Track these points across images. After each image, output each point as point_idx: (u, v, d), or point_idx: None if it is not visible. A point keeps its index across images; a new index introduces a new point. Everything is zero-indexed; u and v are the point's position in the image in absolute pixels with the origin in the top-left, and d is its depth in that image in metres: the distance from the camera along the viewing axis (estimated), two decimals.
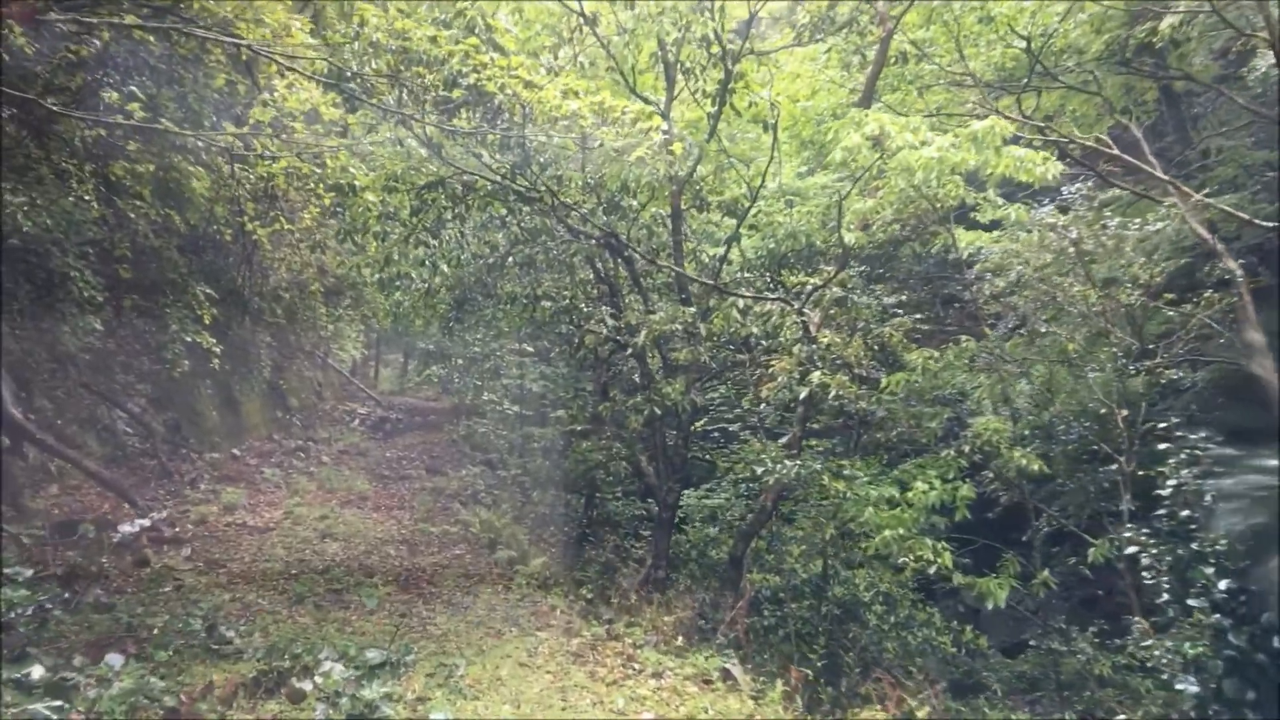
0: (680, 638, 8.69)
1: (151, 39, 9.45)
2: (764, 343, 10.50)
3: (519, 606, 9.15)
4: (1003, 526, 10.71)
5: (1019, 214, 8.95)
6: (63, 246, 10.95)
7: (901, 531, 8.44)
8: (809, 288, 9.44)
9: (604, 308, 11.01)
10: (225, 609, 8.06)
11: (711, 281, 10.16)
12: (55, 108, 7.80)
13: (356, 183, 9.85)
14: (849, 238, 9.19)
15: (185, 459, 14.01)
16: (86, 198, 10.05)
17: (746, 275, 12.41)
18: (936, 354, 9.18)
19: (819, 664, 10.04)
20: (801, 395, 8.72)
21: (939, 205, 9.28)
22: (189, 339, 10.77)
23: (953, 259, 9.79)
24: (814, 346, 9.24)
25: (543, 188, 10.20)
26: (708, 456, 13.66)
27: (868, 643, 10.75)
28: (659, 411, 10.10)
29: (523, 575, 10.19)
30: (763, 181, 11.25)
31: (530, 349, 18.88)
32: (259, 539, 10.68)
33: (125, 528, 8.81)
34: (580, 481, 15.34)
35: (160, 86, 9.87)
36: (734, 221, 12.67)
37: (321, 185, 10.28)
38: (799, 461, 8.82)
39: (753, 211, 11.88)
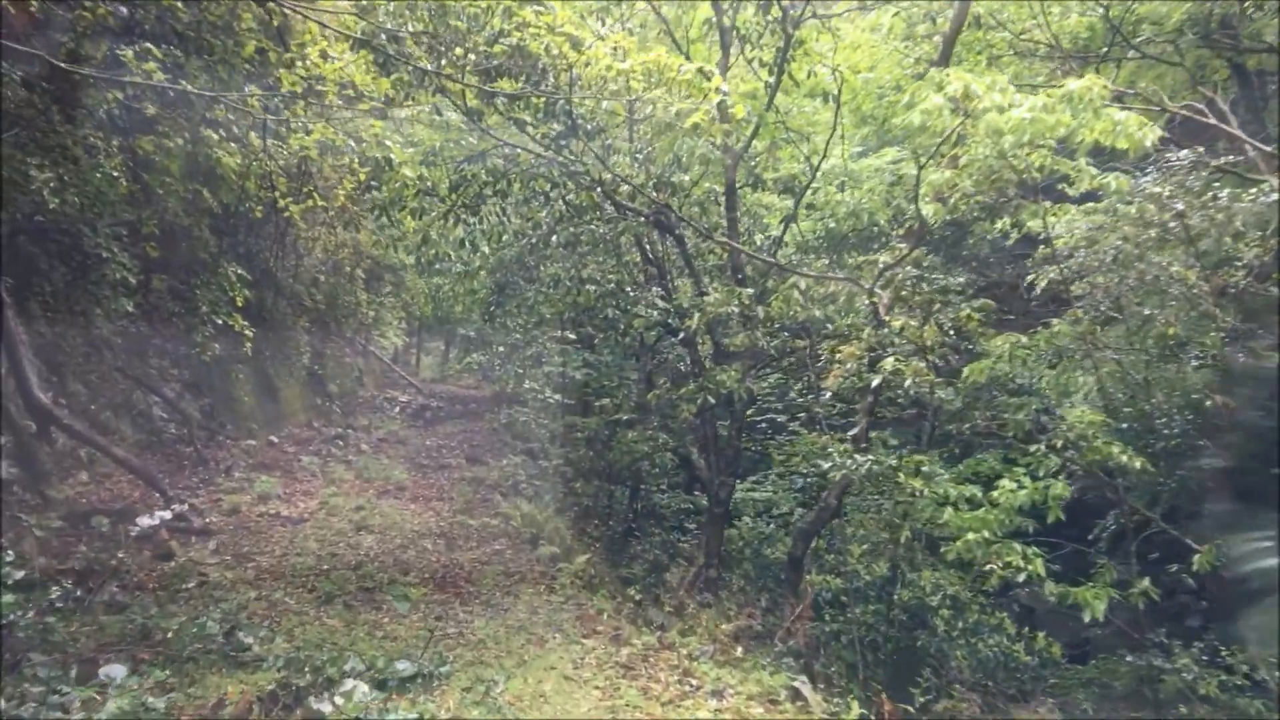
0: (739, 647, 7.81)
1: (180, 3, 8.79)
2: (828, 327, 9.55)
3: (563, 609, 8.35)
4: (1086, 528, 9.67)
5: (1119, 184, 7.88)
6: (94, 227, 10.38)
7: (986, 535, 7.46)
8: (879, 265, 8.45)
9: (654, 289, 10.13)
10: (249, 608, 7.36)
11: (772, 260, 9.22)
12: (76, 72, 7.13)
13: (393, 156, 9.10)
14: (927, 210, 8.18)
15: (221, 446, 13.46)
16: (115, 174, 9.43)
17: (803, 258, 11.48)
18: (1024, 338, 8.15)
19: (886, 674, 9.14)
20: (873, 384, 7.75)
21: (1026, 175, 8.23)
22: (220, 321, 10.09)
23: (1041, 236, 8.74)
24: (885, 331, 8.28)
25: (589, 160, 9.35)
26: (760, 448, 12.70)
27: (936, 650, 9.82)
28: (713, 400, 9.20)
29: (566, 574, 9.38)
30: (824, 155, 10.28)
31: (573, 336, 18.10)
32: (291, 530, 10.01)
33: (144, 520, 8.16)
34: (625, 473, 14.51)
35: (188, 55, 9.18)
36: (788, 202, 11.72)
37: (356, 160, 9.54)
38: (871, 457, 7.86)
39: (810, 189, 10.93)
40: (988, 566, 7.43)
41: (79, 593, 7.14)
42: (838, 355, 8.35)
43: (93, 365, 12.00)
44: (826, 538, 10.38)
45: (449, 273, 13.35)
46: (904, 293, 8.44)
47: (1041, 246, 9.04)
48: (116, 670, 5.27)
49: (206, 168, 9.57)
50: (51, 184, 9.21)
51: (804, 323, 9.74)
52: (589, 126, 9.02)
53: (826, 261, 11.16)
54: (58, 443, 10.06)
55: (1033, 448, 7.87)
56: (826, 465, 8.20)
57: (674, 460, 14.52)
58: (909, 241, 8.81)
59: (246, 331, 10.33)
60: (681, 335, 10.58)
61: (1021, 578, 7.49)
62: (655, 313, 9.53)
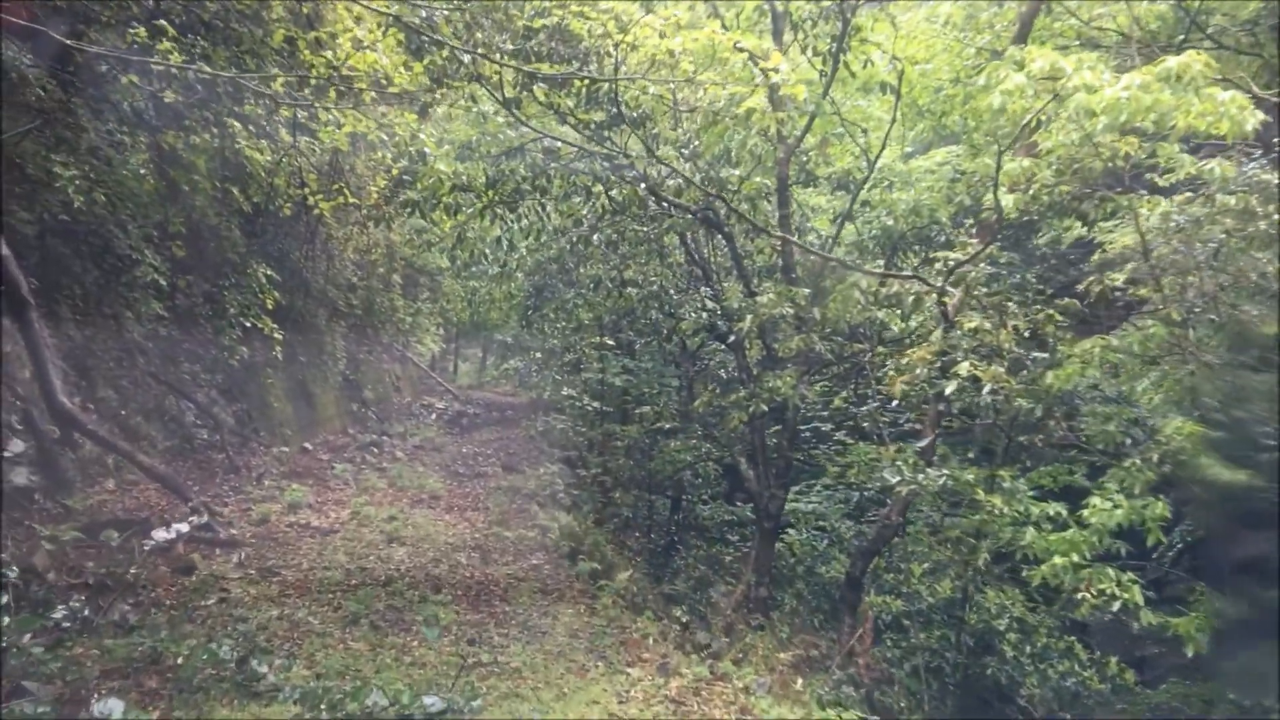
0: (798, 678, 7.01)
1: None
2: (891, 329, 8.73)
3: (605, 633, 7.59)
4: (1181, 551, 8.73)
5: (1224, 170, 6.98)
6: (125, 227, 9.91)
7: (1075, 558, 6.59)
8: (950, 263, 7.62)
9: (703, 289, 9.38)
10: (269, 629, 6.72)
11: (831, 258, 8.43)
12: (82, 49, 6.59)
13: (427, 151, 8.47)
14: (1007, 201, 7.34)
15: (254, 452, 12.95)
16: (143, 171, 8.93)
17: (858, 258, 10.67)
18: (1113, 341, 7.27)
19: (953, 705, 8.28)
20: (948, 390, 6.91)
21: (1113, 162, 7.35)
22: (250, 324, 9.54)
23: (1109, 236, 7.85)
24: (956, 333, 7.44)
25: (634, 152, 8.65)
26: (805, 458, 11.85)
27: (1005, 678, 8.93)
28: (765, 408, 8.42)
29: (608, 592, 8.64)
30: (882, 147, 9.50)
31: (611, 342, 17.40)
32: (320, 542, 9.40)
33: (161, 533, 7.55)
34: (666, 483, 13.76)
35: (215, 45, 8.64)
36: (839, 202, 10.95)
37: (388, 156, 8.93)
38: (945, 471, 7.02)
39: (866, 186, 10.14)
40: (1079, 594, 6.56)
41: (87, 611, 6.57)
42: (905, 359, 7.51)
43: (124, 370, 11.55)
44: (885, 555, 9.52)
45: (485, 275, 12.75)
46: (977, 292, 7.60)
47: (1120, 241, 8.15)
48: (113, 706, 4.62)
49: (235, 164, 9.04)
50: (77, 181, 8.74)
51: (859, 326, 8.93)
52: (634, 114, 8.30)
53: (881, 262, 10.34)
54: (83, 449, 9.57)
55: (1126, 461, 6.98)
56: (893, 479, 7.36)
57: (717, 470, 13.75)
58: (982, 237, 7.97)
59: (276, 334, 9.77)
60: (730, 339, 9.84)
61: (1115, 606, 6.63)
62: (704, 315, 8.77)
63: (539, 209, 8.88)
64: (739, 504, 13.55)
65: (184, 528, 7.78)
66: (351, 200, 8.91)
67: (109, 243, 10.11)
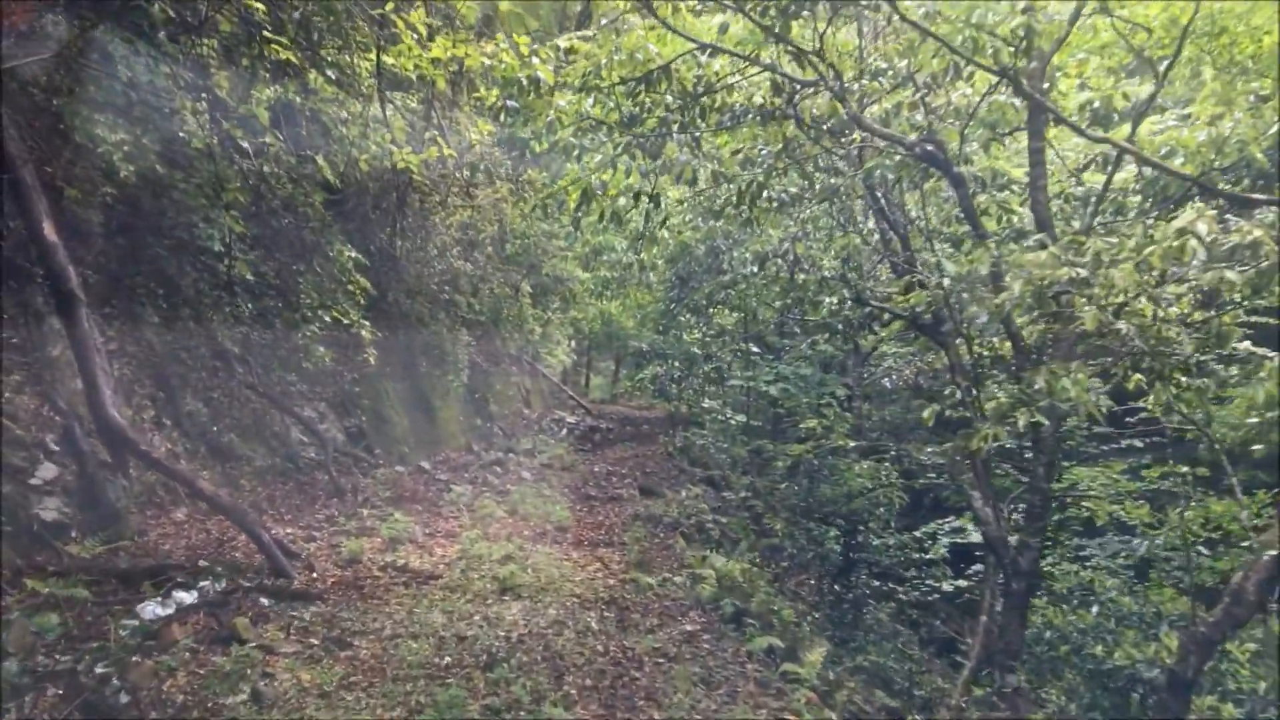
0: None
1: None
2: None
3: None
4: None
5: None
6: (208, 216, 7.89)
7: None
8: None
9: (935, 251, 6.36)
10: None
11: (1176, 173, 5.22)
12: None
13: (540, 75, 5.86)
14: None
15: (364, 472, 10.78)
16: (206, 137, 6.79)
17: (1120, 219, 7.37)
18: None
19: None
20: None
21: None
22: (328, 318, 7.24)
23: None
24: None
25: (822, 62, 5.75)
26: (1067, 494, 8.38)
27: None
28: (1045, 420, 5.23)
29: (801, 687, 5.65)
30: (1170, 64, 6.22)
31: (755, 349, 14.41)
32: (415, 593, 6.92)
33: (150, 608, 5.11)
34: (835, 514, 10.63)
35: None
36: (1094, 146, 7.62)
37: (484, 84, 6.42)
38: None
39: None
40: None
41: (65, 712, 4.26)
42: None
43: (218, 380, 9.61)
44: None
45: (618, 265, 10.14)
46: None
47: None
48: None
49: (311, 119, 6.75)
50: (125, 147, 6.70)
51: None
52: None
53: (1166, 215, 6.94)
54: (146, 474, 7.51)
55: None
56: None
57: (904, 501, 10.51)
58: None
59: (367, 331, 7.44)
60: (944, 328, 6.73)
61: None
62: (946, 279, 5.71)
63: (692, 147, 6.06)
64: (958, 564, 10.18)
65: (188, 597, 5.36)
66: (448, 153, 6.45)
67: (190, 230, 8.16)
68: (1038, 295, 5.17)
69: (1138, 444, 10.27)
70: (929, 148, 6.16)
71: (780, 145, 6.00)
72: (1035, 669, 6.77)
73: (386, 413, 12.30)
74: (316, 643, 5.67)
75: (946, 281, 5.38)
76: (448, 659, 5.63)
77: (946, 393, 8.22)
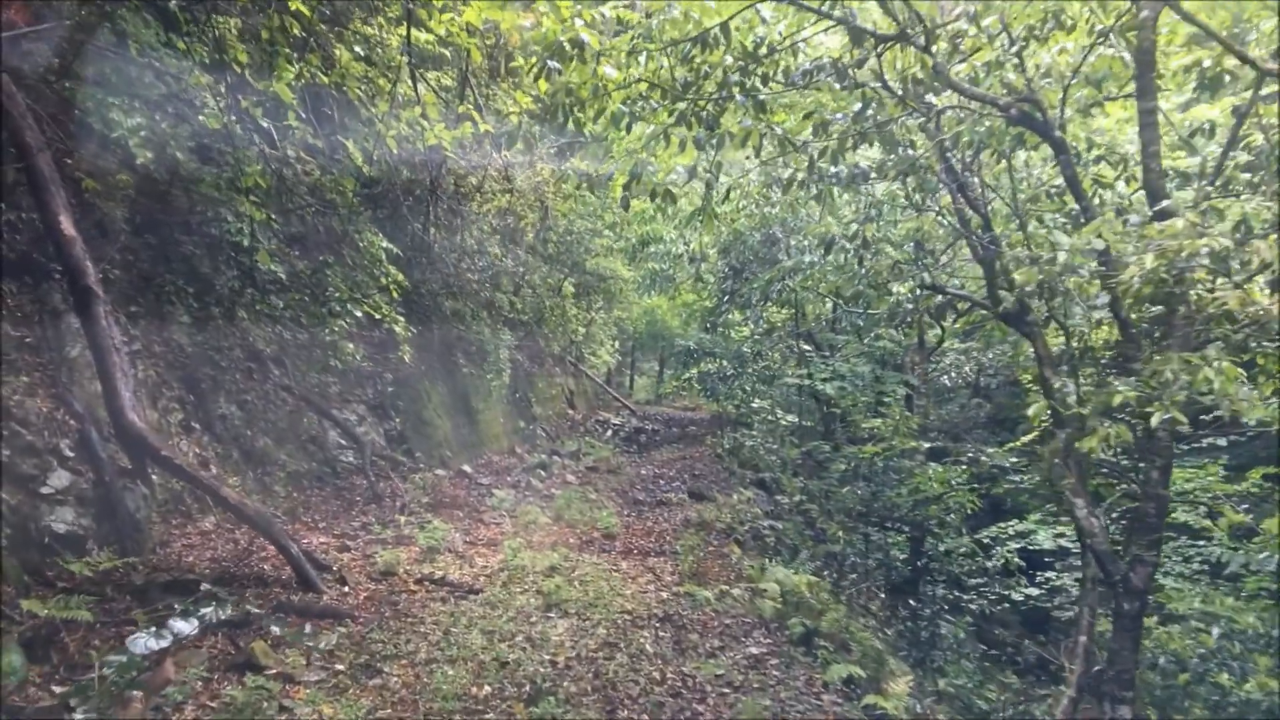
0: None
1: None
2: None
3: None
4: None
5: None
6: (237, 211, 7.34)
7: None
8: None
9: (1046, 224, 5.49)
10: None
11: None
12: None
13: (585, 38, 5.16)
14: None
15: (404, 476, 10.20)
16: (227, 117, 6.22)
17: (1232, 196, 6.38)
18: None
19: None
20: None
21: None
22: (358, 312, 6.61)
23: None
24: None
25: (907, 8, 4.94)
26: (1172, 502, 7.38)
27: None
28: (1182, 417, 4.31)
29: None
30: None
31: (808, 347, 13.51)
32: (453, 610, 6.25)
33: (142, 640, 4.45)
34: (901, 519, 9.72)
35: None
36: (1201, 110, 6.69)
37: (522, 54, 5.73)
38: None
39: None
40: None
41: None
42: None
43: (253, 383, 9.11)
44: None
45: (667, 256, 9.38)
46: None
47: None
48: None
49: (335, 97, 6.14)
50: (143, 132, 6.16)
51: None
52: None
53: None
54: (171, 482, 6.97)
55: None
56: None
57: (975, 505, 9.53)
58: None
59: (399, 326, 6.80)
60: (1029, 318, 5.84)
61: None
62: (1062, 254, 4.82)
63: (755, 115, 5.27)
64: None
65: (187, 627, 4.72)
66: (485, 128, 5.77)
67: (220, 225, 7.64)
68: (1172, 270, 4.27)
69: (1220, 442, 9.25)
70: (1025, 108, 5.29)
71: (859, 107, 5.19)
72: (1149, 699, 5.82)
73: (426, 415, 11.72)
74: (343, 669, 5.02)
75: (1062, 257, 4.50)
76: (487, 689, 4.93)
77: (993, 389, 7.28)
